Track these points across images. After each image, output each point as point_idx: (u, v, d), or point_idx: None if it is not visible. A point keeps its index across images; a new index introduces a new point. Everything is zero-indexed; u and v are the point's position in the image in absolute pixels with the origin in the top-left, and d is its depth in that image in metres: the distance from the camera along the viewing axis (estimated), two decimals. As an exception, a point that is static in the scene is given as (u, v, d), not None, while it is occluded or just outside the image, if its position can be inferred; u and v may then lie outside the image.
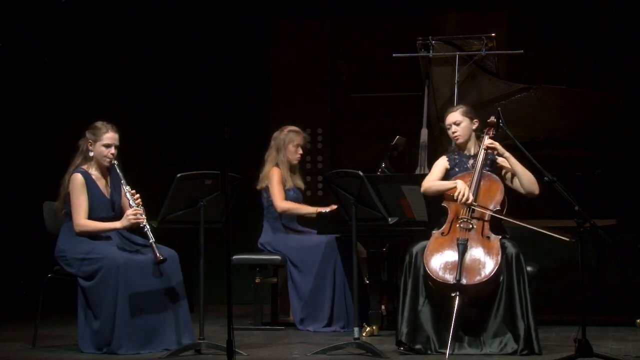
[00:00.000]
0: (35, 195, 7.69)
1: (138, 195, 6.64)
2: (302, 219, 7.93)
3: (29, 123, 9.46)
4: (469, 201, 6.40)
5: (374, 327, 7.28)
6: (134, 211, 6.55)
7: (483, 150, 6.55)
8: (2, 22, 9.04)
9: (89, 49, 9.47)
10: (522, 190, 6.57)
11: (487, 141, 6.55)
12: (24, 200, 9.14)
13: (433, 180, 6.67)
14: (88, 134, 6.73)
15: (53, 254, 6.70)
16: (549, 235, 6.26)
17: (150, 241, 6.52)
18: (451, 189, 6.48)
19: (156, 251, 6.50)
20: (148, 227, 6.53)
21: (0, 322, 8.17)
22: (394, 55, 8.01)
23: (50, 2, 9.12)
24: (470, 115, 6.70)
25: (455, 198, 6.42)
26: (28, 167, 9.43)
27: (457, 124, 6.67)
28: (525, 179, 6.53)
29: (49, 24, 9.27)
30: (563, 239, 6.15)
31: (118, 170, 6.66)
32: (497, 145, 6.53)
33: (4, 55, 9.05)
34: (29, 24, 9.24)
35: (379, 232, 7.21)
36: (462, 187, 6.44)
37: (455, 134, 6.69)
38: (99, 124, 6.74)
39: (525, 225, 6.40)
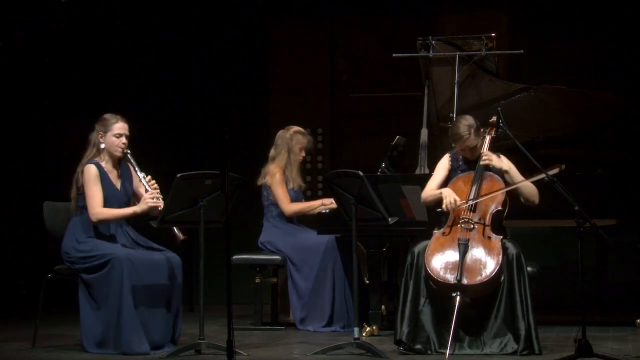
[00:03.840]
0: (35, 195, 7.69)
1: (154, 181, 6.63)
2: (302, 217, 7.92)
3: (29, 123, 9.45)
4: (458, 204, 6.39)
5: (374, 327, 7.27)
6: (151, 194, 6.55)
7: (480, 164, 6.52)
8: (2, 22, 9.04)
9: (89, 50, 9.47)
10: (521, 199, 6.57)
11: (483, 155, 6.52)
12: (24, 200, 9.14)
13: (435, 183, 6.66)
14: (98, 127, 6.71)
15: (59, 251, 6.68)
16: (538, 179, 6.27)
17: None
18: (440, 198, 6.48)
19: (176, 231, 6.54)
20: None
21: (0, 322, 8.17)
22: (394, 55, 8.00)
23: (50, 2, 9.12)
24: (480, 131, 6.59)
25: (445, 208, 6.41)
26: (28, 167, 9.42)
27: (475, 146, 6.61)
28: (526, 192, 6.52)
29: (49, 24, 9.26)
30: (553, 172, 6.12)
31: (131, 159, 6.66)
32: (493, 159, 6.51)
33: (4, 55, 9.05)
34: (29, 24, 9.23)
35: (379, 232, 7.21)
36: (446, 194, 6.43)
37: (476, 153, 6.63)
38: (107, 115, 6.73)
39: (517, 184, 6.42)
